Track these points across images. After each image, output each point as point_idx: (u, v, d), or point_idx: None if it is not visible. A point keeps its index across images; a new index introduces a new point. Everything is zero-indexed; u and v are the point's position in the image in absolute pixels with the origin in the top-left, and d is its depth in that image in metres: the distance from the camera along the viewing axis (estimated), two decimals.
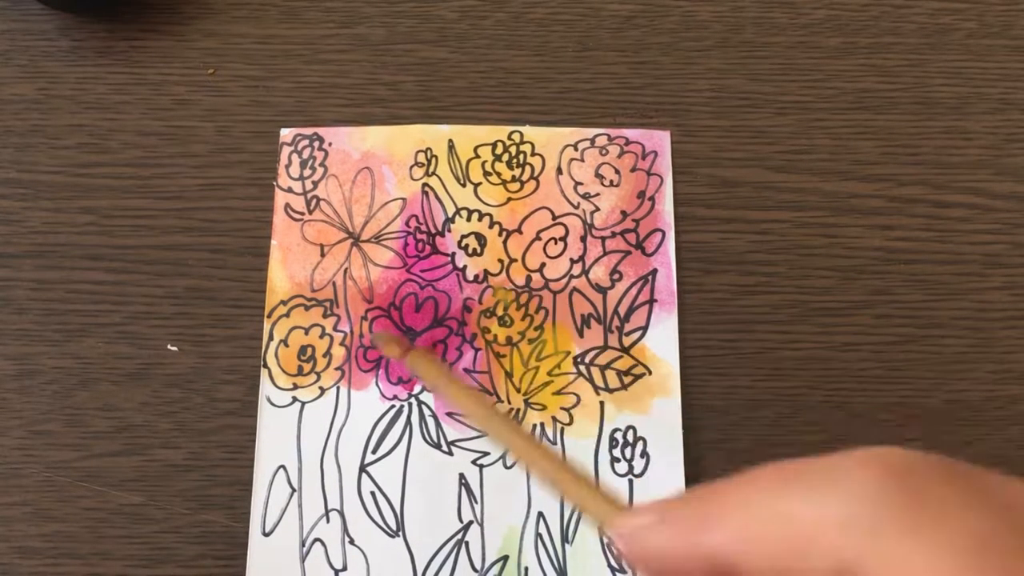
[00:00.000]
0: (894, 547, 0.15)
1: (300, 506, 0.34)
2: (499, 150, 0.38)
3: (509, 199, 0.37)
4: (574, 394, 0.35)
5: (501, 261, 0.36)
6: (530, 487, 0.34)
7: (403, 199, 0.37)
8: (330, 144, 0.38)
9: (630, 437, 0.34)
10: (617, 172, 0.38)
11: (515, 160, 0.38)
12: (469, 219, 0.37)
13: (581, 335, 0.35)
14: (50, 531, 0.33)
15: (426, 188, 0.37)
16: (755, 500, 0.17)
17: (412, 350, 0.32)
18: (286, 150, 0.38)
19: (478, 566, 0.33)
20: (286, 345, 0.35)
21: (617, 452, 0.34)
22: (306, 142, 0.38)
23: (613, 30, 0.40)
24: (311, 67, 0.39)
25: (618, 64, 0.39)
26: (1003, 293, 0.37)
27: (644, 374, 0.35)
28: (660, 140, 0.38)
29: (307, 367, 0.35)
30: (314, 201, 0.37)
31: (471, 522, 0.33)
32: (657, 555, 0.18)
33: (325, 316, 0.36)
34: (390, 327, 0.35)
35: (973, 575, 0.14)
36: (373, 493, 0.34)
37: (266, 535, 0.33)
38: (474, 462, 0.34)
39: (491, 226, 0.37)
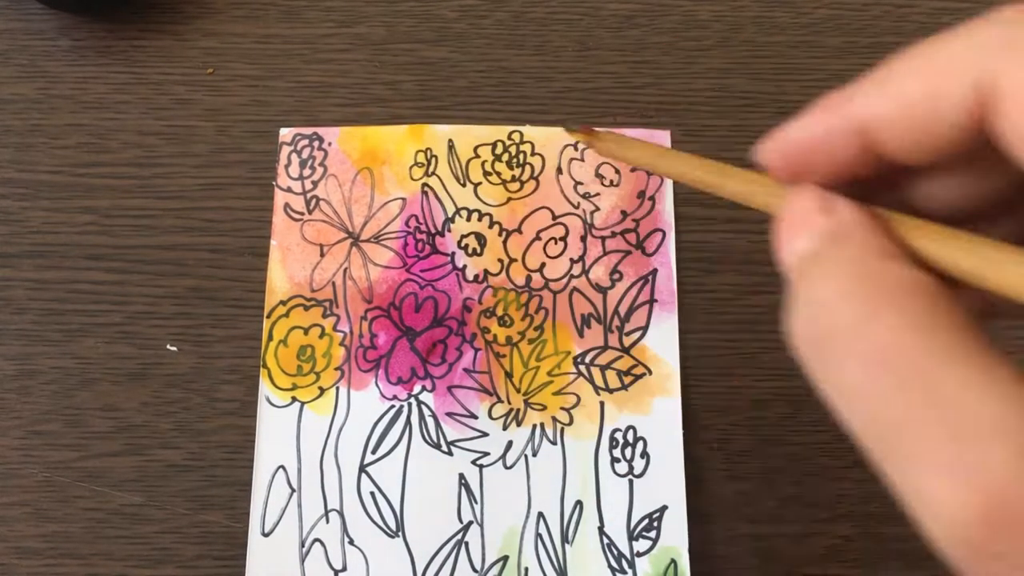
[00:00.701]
0: (1016, 60, 0.14)
1: (300, 506, 0.33)
2: (499, 150, 0.38)
3: (509, 199, 0.37)
4: (574, 394, 0.35)
5: (501, 261, 0.36)
6: (530, 487, 0.34)
7: (403, 199, 0.37)
8: (330, 144, 0.38)
9: (630, 437, 0.34)
10: (617, 172, 0.38)
11: (515, 160, 0.38)
12: (469, 219, 0.37)
13: (581, 335, 0.35)
14: (50, 531, 0.33)
15: (426, 188, 0.37)
16: (892, 66, 0.16)
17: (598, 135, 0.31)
18: (286, 150, 0.38)
19: (478, 566, 0.33)
20: (285, 345, 0.35)
21: (617, 452, 0.34)
22: (306, 142, 0.38)
23: (613, 30, 0.40)
24: (311, 67, 0.39)
25: (618, 64, 0.39)
26: None
27: (644, 374, 0.35)
28: (660, 140, 0.38)
29: (307, 367, 0.35)
30: (314, 201, 0.37)
31: (471, 522, 0.33)
32: (806, 140, 0.17)
33: (325, 316, 0.36)
34: (389, 327, 0.35)
35: None
36: (373, 493, 0.34)
37: (266, 535, 0.33)
38: (474, 462, 0.34)
39: (491, 226, 0.37)
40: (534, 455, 0.34)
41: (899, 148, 0.16)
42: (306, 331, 0.35)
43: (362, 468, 0.34)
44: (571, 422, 0.35)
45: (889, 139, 0.16)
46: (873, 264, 0.15)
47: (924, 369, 0.14)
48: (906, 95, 0.16)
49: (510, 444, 0.34)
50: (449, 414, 0.35)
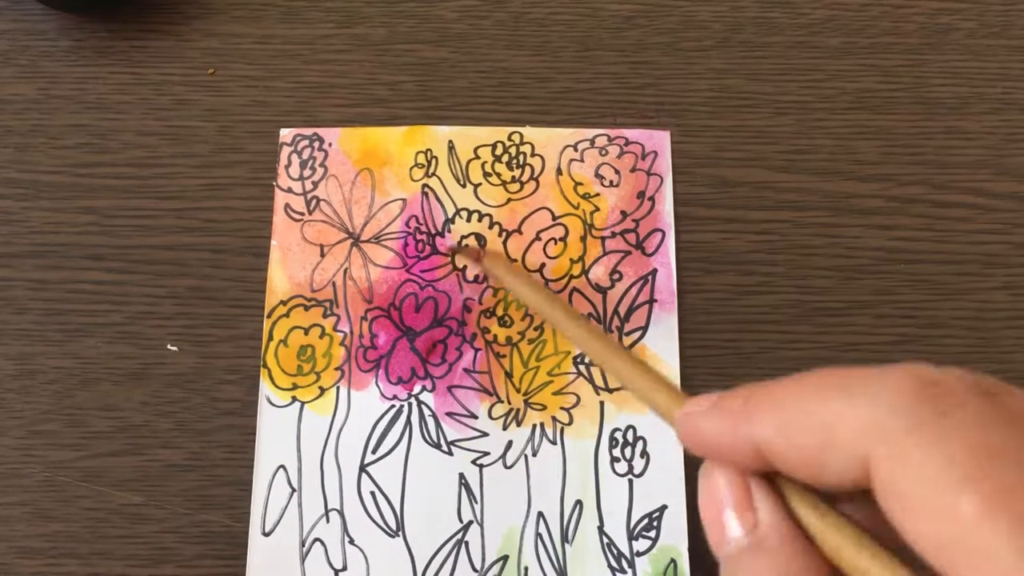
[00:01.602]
0: (905, 450, 0.16)
1: (300, 506, 0.34)
2: (499, 151, 0.38)
3: (509, 200, 0.37)
4: (574, 394, 0.35)
5: None
6: (530, 487, 0.34)
7: (403, 199, 0.37)
8: (330, 144, 0.38)
9: (630, 437, 0.34)
10: (617, 172, 0.38)
11: (515, 161, 0.38)
12: (469, 220, 0.37)
13: None
14: (50, 531, 0.34)
15: (426, 189, 0.37)
16: (795, 397, 0.18)
17: (487, 255, 0.32)
18: (286, 150, 0.38)
19: (478, 566, 0.33)
20: (286, 345, 0.35)
21: (617, 452, 0.34)
22: (306, 142, 0.38)
23: (613, 30, 0.40)
24: (311, 67, 0.39)
25: (618, 64, 0.39)
26: (1003, 293, 0.37)
27: None
28: (660, 140, 0.38)
29: (307, 367, 0.35)
30: (314, 201, 0.37)
31: (471, 522, 0.33)
32: (707, 440, 0.20)
33: (325, 316, 0.36)
34: (389, 327, 0.35)
35: (972, 483, 0.15)
36: (373, 493, 0.34)
37: (266, 535, 0.33)
38: (474, 462, 0.34)
39: (491, 227, 0.37)
40: (534, 455, 0.34)
41: (793, 473, 0.18)
42: (306, 331, 0.35)
43: (362, 468, 0.34)
44: (571, 422, 0.35)
45: (783, 465, 0.18)
46: None
47: None
48: (801, 437, 0.18)
49: (510, 444, 0.34)
50: (449, 414, 0.35)
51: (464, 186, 0.37)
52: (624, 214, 0.37)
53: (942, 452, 0.15)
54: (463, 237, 0.37)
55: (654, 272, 0.36)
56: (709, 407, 0.20)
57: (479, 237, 0.37)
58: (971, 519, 0.15)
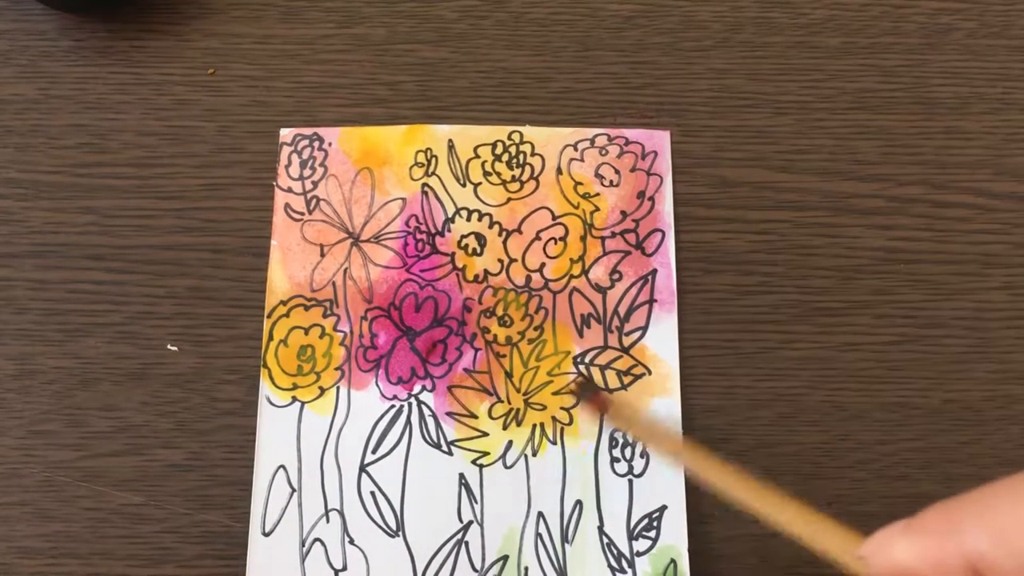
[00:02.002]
0: None
1: (300, 506, 0.34)
2: (499, 150, 0.38)
3: (509, 199, 0.37)
4: (574, 394, 0.35)
5: (501, 261, 0.36)
6: (530, 487, 0.34)
7: (403, 199, 0.37)
8: (330, 144, 0.38)
9: (630, 437, 0.34)
10: (617, 172, 0.38)
11: (515, 160, 0.38)
12: (469, 219, 0.37)
13: (581, 335, 0.36)
14: (50, 531, 0.34)
15: (426, 188, 0.37)
16: (1010, 500, 0.17)
17: (612, 405, 0.31)
18: (286, 150, 0.38)
19: (478, 566, 0.33)
20: (286, 345, 0.35)
21: (617, 452, 0.34)
22: (306, 142, 0.38)
23: (613, 30, 0.40)
24: (311, 67, 0.39)
25: (618, 64, 0.39)
26: (1003, 293, 0.37)
27: (644, 374, 0.35)
28: (660, 140, 0.38)
29: (307, 367, 0.35)
30: (314, 201, 0.37)
31: (471, 522, 0.33)
32: (908, 567, 0.18)
33: (325, 316, 0.36)
34: (389, 327, 0.35)
35: None
36: (373, 493, 0.34)
37: (266, 535, 0.33)
38: (474, 462, 0.34)
39: (491, 226, 0.37)
40: (534, 455, 0.34)
41: None
42: (306, 331, 0.35)
43: (362, 468, 0.34)
44: (571, 422, 0.35)
45: (999, 570, 0.17)
46: None
47: None
48: (1013, 537, 0.16)
49: (510, 444, 0.34)
50: (449, 414, 0.35)
51: (464, 185, 0.37)
52: (624, 214, 0.37)
53: None
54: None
55: (654, 272, 0.36)
56: (902, 529, 0.18)
57: (479, 237, 0.37)
58: None
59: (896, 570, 0.18)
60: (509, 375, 0.35)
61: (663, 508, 0.34)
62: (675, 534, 0.33)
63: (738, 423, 0.35)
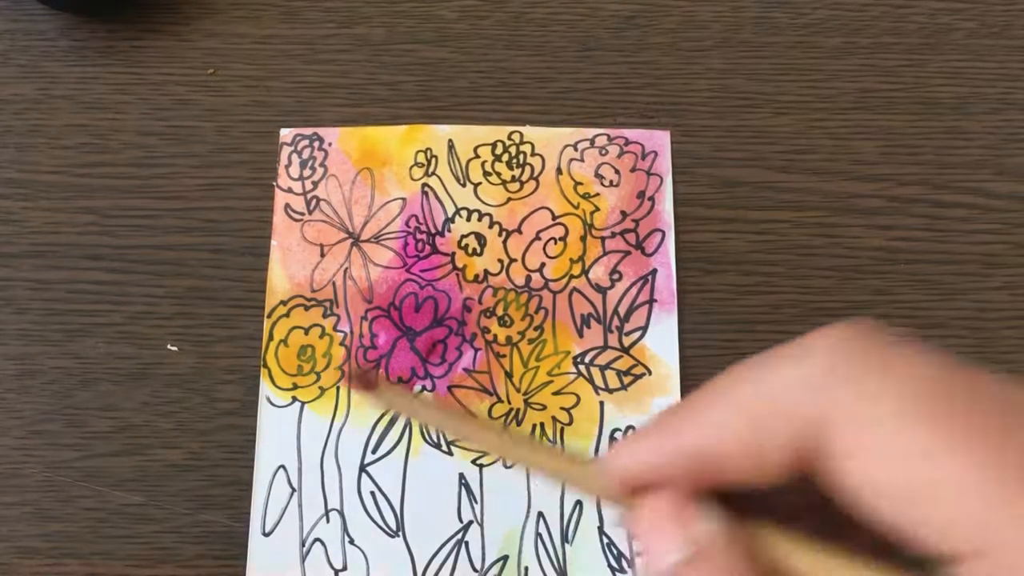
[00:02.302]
0: (843, 398, 0.15)
1: (300, 506, 0.34)
2: (499, 150, 0.38)
3: (509, 199, 0.37)
4: (574, 394, 0.35)
5: (501, 261, 0.36)
6: (530, 487, 0.34)
7: (403, 199, 0.37)
8: (330, 144, 0.38)
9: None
10: (617, 172, 0.38)
11: (515, 160, 0.38)
12: (469, 219, 0.37)
13: (581, 335, 0.35)
14: (50, 531, 0.34)
15: (426, 188, 0.37)
16: (721, 393, 0.17)
17: (381, 384, 0.31)
18: (286, 150, 0.38)
19: (478, 566, 0.33)
20: (286, 345, 0.35)
21: None
22: (306, 142, 0.38)
23: (613, 30, 0.40)
24: (311, 67, 0.39)
25: (618, 64, 0.39)
26: (1003, 293, 0.37)
27: (644, 374, 0.35)
28: (660, 140, 0.38)
29: (307, 367, 0.35)
30: (314, 201, 0.37)
31: (471, 522, 0.33)
32: (639, 471, 0.18)
33: (325, 316, 0.36)
34: (389, 327, 0.35)
35: (934, 418, 0.15)
36: (373, 493, 0.34)
37: (266, 535, 0.33)
38: (474, 462, 0.34)
39: (491, 226, 0.37)
40: None
41: (730, 477, 0.17)
42: (306, 331, 0.35)
43: (362, 468, 0.34)
44: (571, 422, 0.35)
45: (718, 473, 0.17)
46: None
47: None
48: (738, 423, 0.17)
49: None
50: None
51: (464, 185, 0.37)
52: (624, 214, 0.37)
53: (877, 391, 0.15)
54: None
55: (654, 272, 0.36)
56: (631, 438, 0.18)
57: (479, 237, 0.37)
58: (943, 452, 0.14)
59: (632, 474, 0.18)
60: (509, 375, 0.35)
61: None
62: None
63: None
